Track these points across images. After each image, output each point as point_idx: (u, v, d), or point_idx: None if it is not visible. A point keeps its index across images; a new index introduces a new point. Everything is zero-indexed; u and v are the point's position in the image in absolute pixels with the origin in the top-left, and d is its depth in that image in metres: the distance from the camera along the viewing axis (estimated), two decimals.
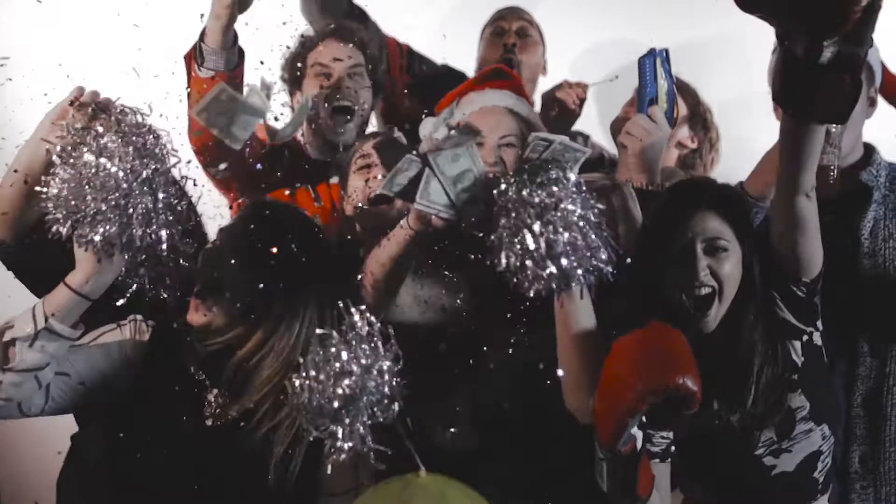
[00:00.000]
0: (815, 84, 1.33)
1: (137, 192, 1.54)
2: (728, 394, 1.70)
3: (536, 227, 1.52)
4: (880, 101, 2.02)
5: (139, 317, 1.79)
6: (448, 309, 1.91)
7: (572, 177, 1.57)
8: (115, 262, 1.57)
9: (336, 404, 1.50)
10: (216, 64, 1.92)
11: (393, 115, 2.54)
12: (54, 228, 1.53)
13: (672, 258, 1.69)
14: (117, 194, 1.52)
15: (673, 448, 1.73)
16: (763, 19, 1.32)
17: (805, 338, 1.74)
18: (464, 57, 2.86)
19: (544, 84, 2.70)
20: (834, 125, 1.76)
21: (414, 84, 2.63)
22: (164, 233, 1.58)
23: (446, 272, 1.92)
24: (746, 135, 2.10)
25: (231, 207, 2.26)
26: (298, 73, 2.32)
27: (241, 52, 1.96)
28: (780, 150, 1.58)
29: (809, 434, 1.73)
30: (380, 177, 1.97)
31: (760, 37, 2.16)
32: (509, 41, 2.73)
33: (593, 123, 2.77)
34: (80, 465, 1.93)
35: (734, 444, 1.73)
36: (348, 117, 2.25)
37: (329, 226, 2.10)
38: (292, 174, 2.20)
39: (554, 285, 1.54)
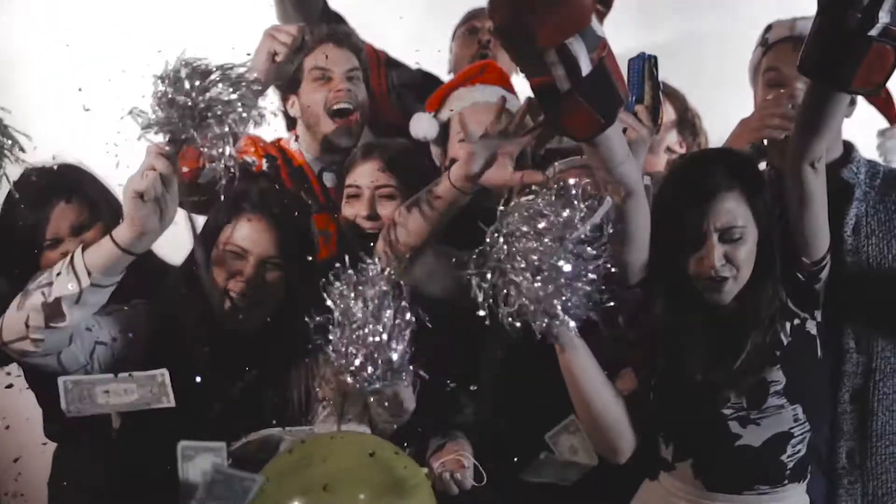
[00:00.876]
0: (861, 54, 1.42)
1: None
2: (719, 352, 1.75)
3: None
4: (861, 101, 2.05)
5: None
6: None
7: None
8: (166, 218, 1.60)
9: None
10: None
11: (377, 122, 2.56)
12: None
13: (685, 245, 1.72)
14: None
15: None
16: None
17: (797, 321, 1.77)
18: (435, 58, 2.90)
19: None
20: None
21: (391, 91, 2.67)
22: None
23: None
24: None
25: None
26: (295, 77, 2.35)
27: None
28: (797, 117, 1.66)
29: (781, 410, 1.75)
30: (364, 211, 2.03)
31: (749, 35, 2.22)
32: (484, 38, 2.78)
33: None
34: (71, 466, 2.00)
35: (703, 397, 1.76)
36: (350, 109, 2.31)
37: None
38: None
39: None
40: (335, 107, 2.31)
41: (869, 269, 1.94)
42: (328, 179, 2.39)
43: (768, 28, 2.05)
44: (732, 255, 1.71)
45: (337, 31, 2.41)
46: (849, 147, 1.99)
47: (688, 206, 1.72)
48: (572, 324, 1.56)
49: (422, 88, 2.84)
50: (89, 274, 1.60)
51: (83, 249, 1.64)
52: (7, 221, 1.93)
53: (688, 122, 2.56)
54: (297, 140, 2.43)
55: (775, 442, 1.76)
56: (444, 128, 2.27)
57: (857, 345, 1.93)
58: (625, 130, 1.91)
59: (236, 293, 1.83)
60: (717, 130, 2.58)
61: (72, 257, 1.63)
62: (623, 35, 2.90)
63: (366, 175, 2.10)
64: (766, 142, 2.01)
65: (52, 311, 1.59)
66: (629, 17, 3.08)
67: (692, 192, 1.74)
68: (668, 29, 3.03)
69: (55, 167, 1.98)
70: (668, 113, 2.51)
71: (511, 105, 2.19)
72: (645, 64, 2.05)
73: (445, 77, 2.93)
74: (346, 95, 2.32)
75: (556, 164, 2.04)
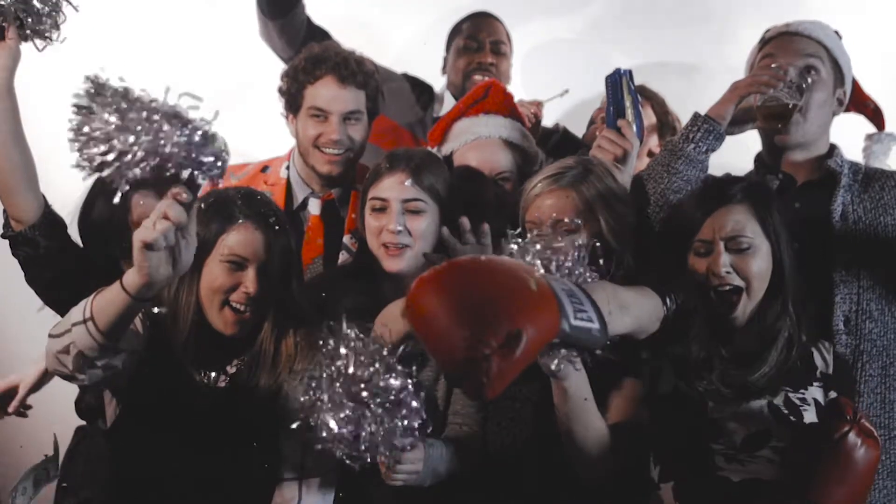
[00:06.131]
0: None
1: None
2: (736, 367, 1.77)
3: None
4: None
5: None
6: None
7: None
8: (178, 266, 1.47)
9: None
10: None
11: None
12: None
13: (695, 254, 1.78)
14: None
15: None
16: None
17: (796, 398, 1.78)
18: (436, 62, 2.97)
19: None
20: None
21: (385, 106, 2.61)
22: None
23: None
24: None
25: None
26: (295, 100, 2.30)
27: None
28: None
29: (770, 464, 1.71)
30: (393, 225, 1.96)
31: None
32: (486, 60, 2.81)
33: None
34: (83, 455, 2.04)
35: (696, 419, 1.76)
36: (341, 154, 2.28)
37: None
38: None
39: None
40: (326, 150, 2.27)
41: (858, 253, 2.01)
42: (314, 206, 2.36)
43: (766, 31, 2.16)
44: (740, 265, 1.74)
45: (342, 67, 2.26)
46: (832, 146, 2.12)
47: (700, 215, 1.79)
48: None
49: (408, 95, 2.88)
50: (102, 334, 1.53)
51: (95, 296, 1.54)
52: None
53: (668, 126, 2.64)
54: (286, 169, 2.39)
55: (752, 485, 1.71)
56: (448, 160, 2.22)
57: (846, 326, 1.99)
58: None
59: (240, 303, 1.79)
60: None
61: (85, 304, 1.55)
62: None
63: (393, 188, 1.98)
64: (756, 103, 2.02)
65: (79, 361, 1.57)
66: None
67: (706, 202, 1.80)
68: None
69: None
70: (649, 116, 2.60)
71: (517, 138, 2.22)
72: (621, 79, 2.11)
73: (438, 78, 2.99)
74: (337, 145, 2.26)
75: None
